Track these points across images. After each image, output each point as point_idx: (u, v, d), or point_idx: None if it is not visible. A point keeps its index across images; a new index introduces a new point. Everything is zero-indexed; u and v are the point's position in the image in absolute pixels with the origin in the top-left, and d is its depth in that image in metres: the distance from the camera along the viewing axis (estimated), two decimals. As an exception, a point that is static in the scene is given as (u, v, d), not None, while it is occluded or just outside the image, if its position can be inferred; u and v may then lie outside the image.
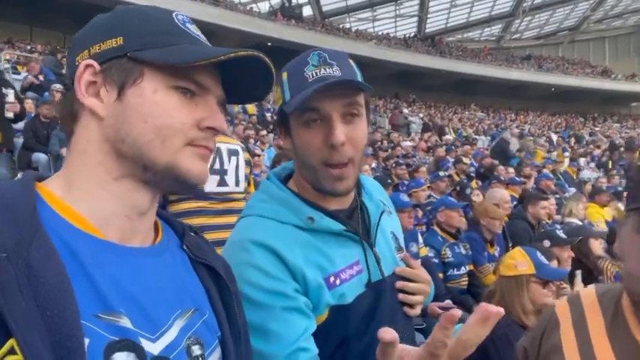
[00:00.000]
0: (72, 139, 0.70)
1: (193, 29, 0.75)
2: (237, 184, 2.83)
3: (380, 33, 35.91)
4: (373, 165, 8.31)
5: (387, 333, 0.63)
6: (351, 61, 1.05)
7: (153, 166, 0.68)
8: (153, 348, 0.63)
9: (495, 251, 4.26)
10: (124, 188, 0.69)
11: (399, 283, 1.12)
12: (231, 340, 0.77)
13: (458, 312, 0.63)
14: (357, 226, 1.10)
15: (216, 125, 0.72)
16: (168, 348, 0.65)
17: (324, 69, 0.99)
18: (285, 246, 0.98)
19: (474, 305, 3.72)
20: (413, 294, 1.13)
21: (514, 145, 10.98)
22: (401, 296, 1.12)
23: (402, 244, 1.23)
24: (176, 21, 0.73)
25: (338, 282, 1.01)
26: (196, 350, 0.70)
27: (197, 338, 0.71)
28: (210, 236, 2.76)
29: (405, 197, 3.86)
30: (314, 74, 0.98)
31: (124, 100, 0.68)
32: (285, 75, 1.04)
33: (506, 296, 2.29)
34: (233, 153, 2.85)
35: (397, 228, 1.26)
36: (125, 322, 0.61)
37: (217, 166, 2.74)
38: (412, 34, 37.62)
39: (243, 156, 2.92)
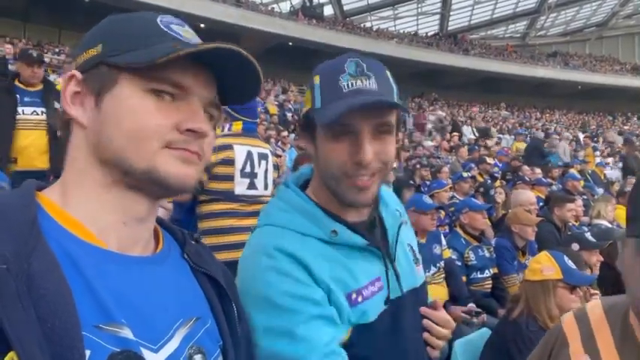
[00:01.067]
0: (67, 149, 0.71)
1: (178, 30, 0.72)
2: (265, 187, 2.87)
3: (401, 31, 35.62)
4: (395, 165, 8.23)
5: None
6: (388, 73, 1.01)
7: (132, 171, 0.67)
8: (155, 358, 0.63)
9: (527, 260, 4.08)
10: (114, 195, 0.68)
11: (426, 322, 1.09)
12: (232, 349, 0.77)
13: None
14: (378, 240, 1.07)
15: (195, 127, 0.70)
16: (170, 358, 0.65)
17: (361, 81, 0.93)
18: (312, 257, 0.95)
19: (498, 309, 3.65)
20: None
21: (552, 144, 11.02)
22: (425, 335, 1.09)
23: (419, 256, 1.19)
24: (158, 23, 0.72)
25: (360, 299, 0.97)
26: (198, 359, 0.69)
27: (199, 347, 0.70)
28: (239, 237, 2.77)
29: (428, 199, 3.81)
30: (349, 85, 0.93)
31: (101, 107, 0.68)
32: (317, 79, 0.98)
33: (532, 301, 2.24)
34: (263, 157, 2.89)
35: (412, 239, 1.22)
36: (126, 333, 0.60)
37: (248, 169, 2.77)
38: (434, 32, 37.22)
39: (271, 160, 2.94)
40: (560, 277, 2.22)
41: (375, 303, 1.00)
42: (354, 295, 0.97)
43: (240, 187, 2.75)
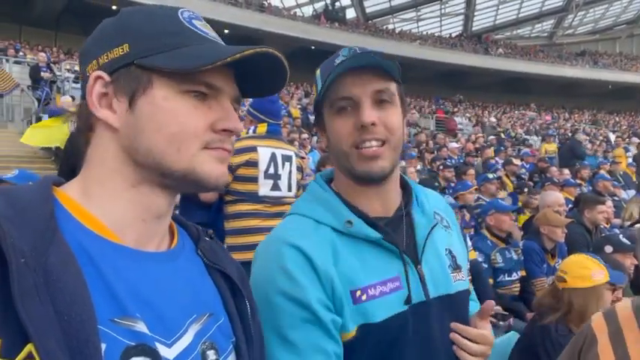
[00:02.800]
0: (89, 149, 0.70)
1: (200, 26, 0.72)
2: (289, 189, 2.88)
3: (425, 33, 35.35)
4: (419, 167, 8.16)
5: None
6: (382, 53, 1.03)
7: (171, 173, 0.68)
8: (168, 353, 0.63)
9: (556, 263, 3.95)
10: (141, 194, 0.68)
11: (453, 336, 1.02)
12: (245, 345, 0.77)
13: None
14: (401, 238, 1.03)
15: (231, 127, 0.70)
16: (183, 353, 0.65)
17: (354, 58, 0.99)
18: (317, 249, 0.95)
19: (526, 312, 3.57)
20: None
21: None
22: (455, 348, 1.02)
23: (461, 263, 1.11)
24: (181, 19, 0.70)
25: (364, 297, 0.94)
26: (211, 355, 0.69)
27: (212, 343, 0.70)
28: (263, 238, 2.82)
29: (449, 198, 3.76)
30: (342, 61, 0.98)
31: (135, 109, 0.67)
32: (317, 71, 1.05)
33: (580, 309, 2.12)
34: (287, 159, 2.91)
35: (456, 245, 1.14)
36: (141, 327, 0.61)
37: (272, 170, 2.80)
38: (458, 33, 36.82)
39: (295, 162, 2.96)
40: (608, 279, 2.16)
41: (386, 303, 0.95)
42: (358, 293, 0.94)
43: (264, 188, 2.78)
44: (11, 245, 0.51)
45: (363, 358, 0.95)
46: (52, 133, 7.69)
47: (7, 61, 13.31)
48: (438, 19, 35.69)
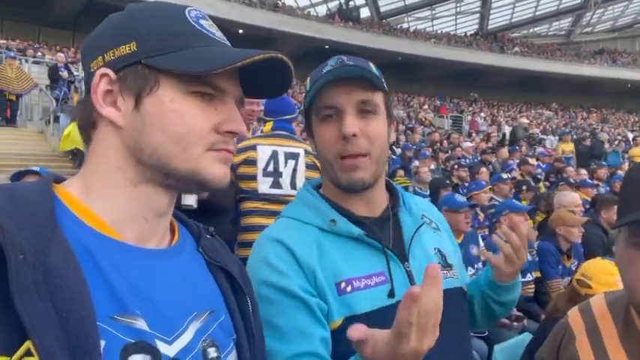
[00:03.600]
0: (91, 145, 0.69)
1: (207, 26, 0.72)
2: (293, 187, 2.84)
3: (439, 31, 35.10)
4: (432, 167, 8.11)
5: (356, 332, 0.69)
6: (372, 65, 1.07)
7: (175, 173, 0.68)
8: (168, 350, 0.63)
9: (572, 264, 3.88)
10: (143, 192, 0.68)
11: (505, 230, 1.09)
12: (246, 342, 0.77)
13: (416, 288, 0.65)
14: (387, 236, 1.06)
15: (235, 129, 0.71)
16: (183, 350, 0.65)
17: (341, 67, 1.02)
18: (300, 243, 0.99)
19: (541, 314, 3.53)
20: None
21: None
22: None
23: (452, 262, 1.16)
24: (189, 19, 0.70)
25: (349, 289, 0.97)
26: (212, 353, 0.69)
27: (213, 340, 0.70)
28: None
29: (460, 197, 3.72)
30: (330, 71, 1.02)
31: (141, 109, 0.66)
32: (308, 80, 1.09)
33: None
34: (292, 156, 2.87)
35: (446, 246, 1.18)
36: (141, 324, 0.60)
37: (271, 168, 2.80)
38: (474, 32, 36.47)
39: (303, 159, 2.90)
40: None
41: (371, 295, 0.98)
42: (342, 284, 0.97)
43: (263, 186, 2.78)
44: (10, 241, 0.51)
45: (351, 351, 0.97)
46: (75, 134, 7.95)
47: (27, 61, 13.57)
48: (453, 17, 35.39)
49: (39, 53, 15.50)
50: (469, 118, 20.06)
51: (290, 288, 0.94)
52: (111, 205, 0.66)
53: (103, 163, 0.68)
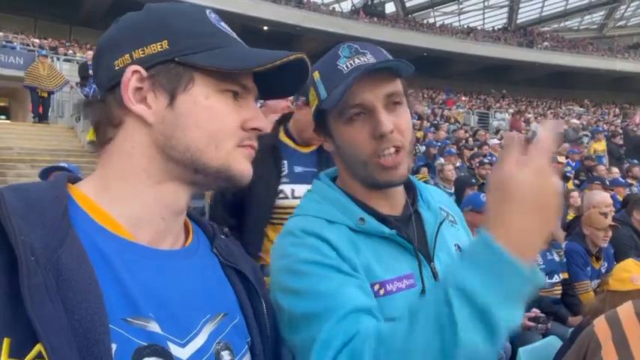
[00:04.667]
0: (111, 145, 0.68)
1: (225, 27, 0.74)
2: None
3: (466, 26, 34.52)
4: (457, 164, 7.99)
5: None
6: (382, 50, 1.01)
7: (205, 170, 0.68)
8: (182, 353, 0.62)
9: (602, 267, 3.77)
10: (165, 191, 0.68)
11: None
12: (260, 345, 0.76)
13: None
14: (412, 235, 1.01)
15: (261, 126, 0.72)
16: (197, 353, 0.64)
17: (358, 58, 0.95)
18: (339, 239, 0.93)
19: (568, 317, 3.44)
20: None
21: None
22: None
23: None
24: (212, 21, 0.72)
25: (382, 292, 0.93)
26: (226, 356, 0.68)
27: (226, 343, 0.69)
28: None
29: (485, 197, 3.64)
30: (348, 65, 0.95)
31: (175, 106, 0.66)
32: (317, 74, 1.00)
33: None
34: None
35: (463, 239, 1.11)
36: (154, 327, 0.60)
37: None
38: (502, 26, 35.74)
39: None
40: None
41: (403, 299, 0.93)
42: (376, 287, 0.93)
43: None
44: (21, 243, 0.51)
45: None
46: None
47: (58, 59, 13.95)
48: (481, 11, 34.74)
49: (70, 51, 15.92)
50: (507, 116, 19.35)
51: (340, 266, 0.87)
52: (130, 205, 0.66)
53: (127, 163, 0.67)
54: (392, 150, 0.95)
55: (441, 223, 1.05)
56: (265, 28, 22.38)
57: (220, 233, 0.82)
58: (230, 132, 0.69)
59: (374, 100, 0.94)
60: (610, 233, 3.74)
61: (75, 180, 0.69)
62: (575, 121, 15.44)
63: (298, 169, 2.17)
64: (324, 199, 1.02)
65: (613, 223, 3.80)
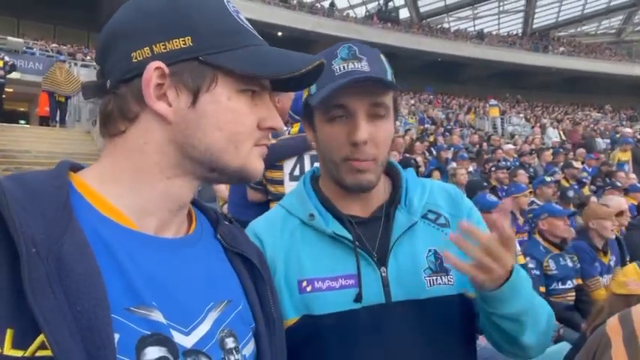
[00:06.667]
0: (122, 138, 0.66)
1: (244, 20, 0.72)
2: None
3: (481, 31, 34.31)
4: (470, 169, 7.92)
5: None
6: (383, 57, 1.01)
7: (224, 169, 0.69)
8: (186, 341, 0.62)
9: (610, 260, 3.74)
10: (175, 185, 0.68)
11: (453, 236, 0.87)
12: (265, 331, 0.75)
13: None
14: (373, 238, 1.00)
15: (277, 125, 0.72)
16: (201, 341, 0.64)
17: (353, 63, 0.95)
18: (272, 237, 1.01)
19: (582, 323, 3.37)
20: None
21: None
22: (447, 255, 0.87)
23: (449, 266, 0.98)
24: (232, 14, 0.70)
25: (309, 289, 0.95)
26: (230, 343, 0.68)
27: (231, 330, 0.69)
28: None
29: (491, 197, 3.60)
30: (341, 68, 0.95)
31: (197, 106, 0.65)
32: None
33: (611, 315, 2.06)
34: (317, 159, 2.89)
35: (448, 244, 0.94)
36: (157, 316, 0.60)
37: (297, 172, 2.83)
38: (518, 31, 35.46)
39: None
40: None
41: (332, 298, 0.94)
42: (304, 283, 0.95)
43: (290, 189, 2.81)
44: (22, 234, 0.51)
45: (310, 352, 0.95)
46: None
47: (76, 64, 14.21)
48: (496, 16, 34.52)
49: (88, 57, 16.20)
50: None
51: None
52: (137, 197, 0.65)
53: (138, 157, 0.66)
54: (362, 159, 0.96)
55: (412, 226, 1.01)
56: (280, 33, 22.50)
57: (224, 219, 0.81)
58: (249, 133, 0.69)
59: (357, 106, 0.95)
60: (618, 222, 3.69)
61: (77, 168, 0.67)
62: (628, 130, 14.31)
63: None
64: (296, 192, 1.11)
65: (619, 210, 3.74)
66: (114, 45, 0.66)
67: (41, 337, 0.49)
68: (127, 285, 0.59)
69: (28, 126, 15.80)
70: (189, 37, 0.64)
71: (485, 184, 5.52)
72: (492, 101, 20.43)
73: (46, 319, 0.49)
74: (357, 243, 0.98)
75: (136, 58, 0.64)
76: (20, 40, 16.43)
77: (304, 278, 0.95)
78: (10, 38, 15.82)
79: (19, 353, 0.49)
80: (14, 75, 12.37)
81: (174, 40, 0.64)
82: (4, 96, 12.31)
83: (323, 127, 0.99)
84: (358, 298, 0.94)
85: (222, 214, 0.83)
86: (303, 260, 0.97)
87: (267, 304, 0.78)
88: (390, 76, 0.99)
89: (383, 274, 0.96)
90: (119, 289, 0.57)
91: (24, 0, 20.81)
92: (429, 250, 1.01)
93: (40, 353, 0.49)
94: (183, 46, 0.64)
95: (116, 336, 0.54)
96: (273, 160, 2.76)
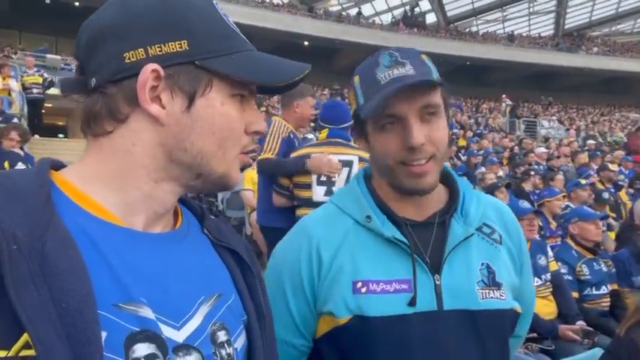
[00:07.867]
0: (108, 138, 0.65)
1: (231, 21, 0.71)
2: None
3: (510, 33, 33.69)
4: (500, 173, 7.77)
5: None
6: (424, 57, 1.01)
7: (209, 175, 0.68)
8: (177, 336, 0.61)
9: None
10: (160, 189, 0.67)
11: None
12: (256, 323, 0.75)
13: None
14: (427, 244, 1.00)
15: (262, 129, 0.71)
16: (192, 335, 0.63)
17: (397, 69, 0.95)
18: (326, 234, 1.02)
19: (616, 330, 3.26)
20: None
21: None
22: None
23: (503, 280, 1.02)
24: (224, 18, 0.69)
25: (364, 290, 0.95)
26: (222, 336, 0.67)
27: (222, 324, 0.68)
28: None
29: (524, 203, 3.52)
30: (386, 76, 0.95)
31: (192, 110, 0.65)
32: (357, 79, 1.02)
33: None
34: (346, 164, 2.91)
35: (502, 261, 1.04)
36: (146, 312, 0.58)
37: (324, 177, 2.85)
38: (550, 32, 34.64)
39: (357, 166, 2.93)
40: None
41: (386, 301, 0.94)
42: (359, 284, 0.95)
43: (318, 194, 2.85)
44: (2, 231, 0.49)
45: (359, 353, 0.96)
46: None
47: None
48: (526, 18, 33.85)
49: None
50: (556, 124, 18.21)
51: (285, 299, 1.01)
52: (122, 196, 0.64)
53: (125, 158, 0.65)
54: (422, 161, 0.95)
55: (468, 237, 1.01)
56: (306, 43, 22.73)
57: (210, 214, 0.81)
58: (237, 137, 0.69)
59: (408, 112, 0.94)
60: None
61: (59, 167, 0.66)
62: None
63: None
64: (348, 190, 1.10)
65: None
66: (101, 43, 0.64)
67: (25, 336, 0.47)
68: (114, 281, 0.57)
69: (66, 139, 16.43)
70: (185, 41, 0.64)
71: (499, 184, 5.32)
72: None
73: (30, 317, 0.47)
74: (412, 249, 0.98)
75: (129, 59, 0.63)
76: (58, 57, 17.19)
77: (359, 279, 0.96)
78: (49, 56, 16.59)
79: (2, 353, 0.48)
80: (53, 91, 12.83)
81: (169, 43, 0.63)
82: (43, 111, 12.82)
83: (376, 135, 0.99)
84: (413, 302, 0.94)
85: (208, 209, 0.82)
86: (358, 261, 0.97)
87: (257, 297, 0.77)
88: (435, 74, 0.98)
89: (437, 282, 0.97)
90: (107, 286, 0.56)
91: (24, 12, 21.55)
92: (482, 264, 1.01)
93: (24, 353, 0.48)
94: (179, 49, 0.63)
95: (103, 333, 0.53)
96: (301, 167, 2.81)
